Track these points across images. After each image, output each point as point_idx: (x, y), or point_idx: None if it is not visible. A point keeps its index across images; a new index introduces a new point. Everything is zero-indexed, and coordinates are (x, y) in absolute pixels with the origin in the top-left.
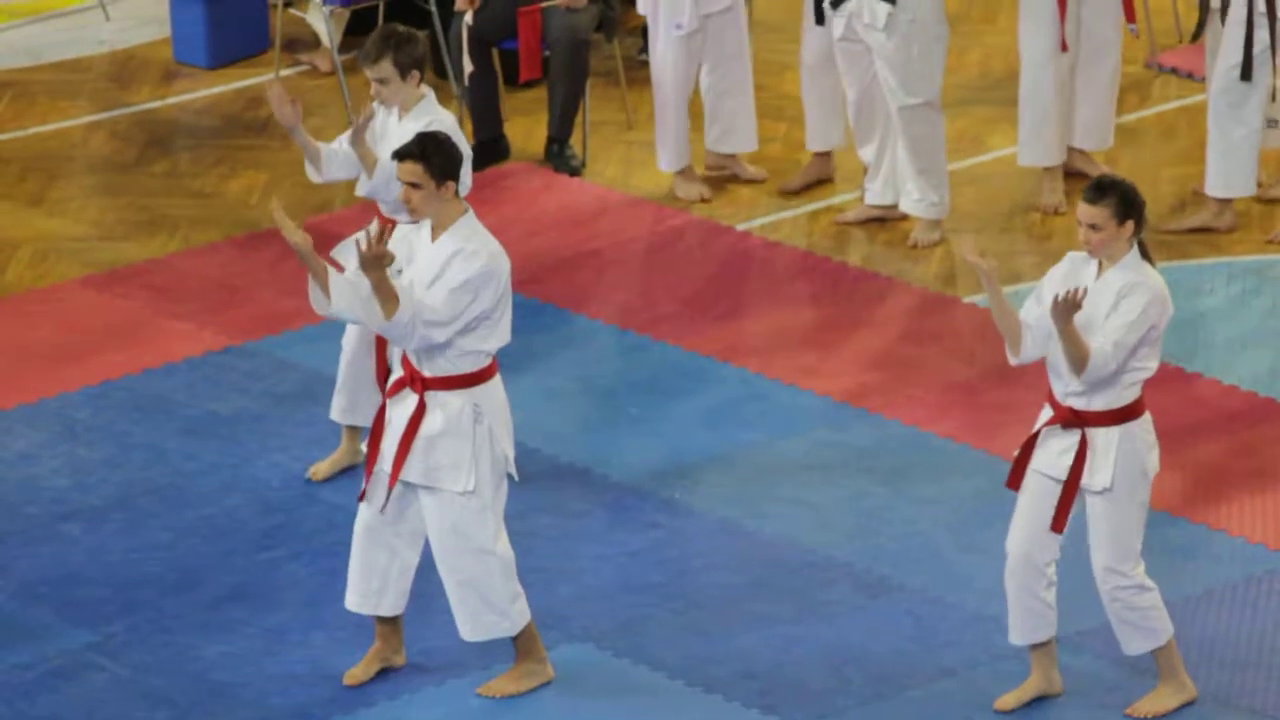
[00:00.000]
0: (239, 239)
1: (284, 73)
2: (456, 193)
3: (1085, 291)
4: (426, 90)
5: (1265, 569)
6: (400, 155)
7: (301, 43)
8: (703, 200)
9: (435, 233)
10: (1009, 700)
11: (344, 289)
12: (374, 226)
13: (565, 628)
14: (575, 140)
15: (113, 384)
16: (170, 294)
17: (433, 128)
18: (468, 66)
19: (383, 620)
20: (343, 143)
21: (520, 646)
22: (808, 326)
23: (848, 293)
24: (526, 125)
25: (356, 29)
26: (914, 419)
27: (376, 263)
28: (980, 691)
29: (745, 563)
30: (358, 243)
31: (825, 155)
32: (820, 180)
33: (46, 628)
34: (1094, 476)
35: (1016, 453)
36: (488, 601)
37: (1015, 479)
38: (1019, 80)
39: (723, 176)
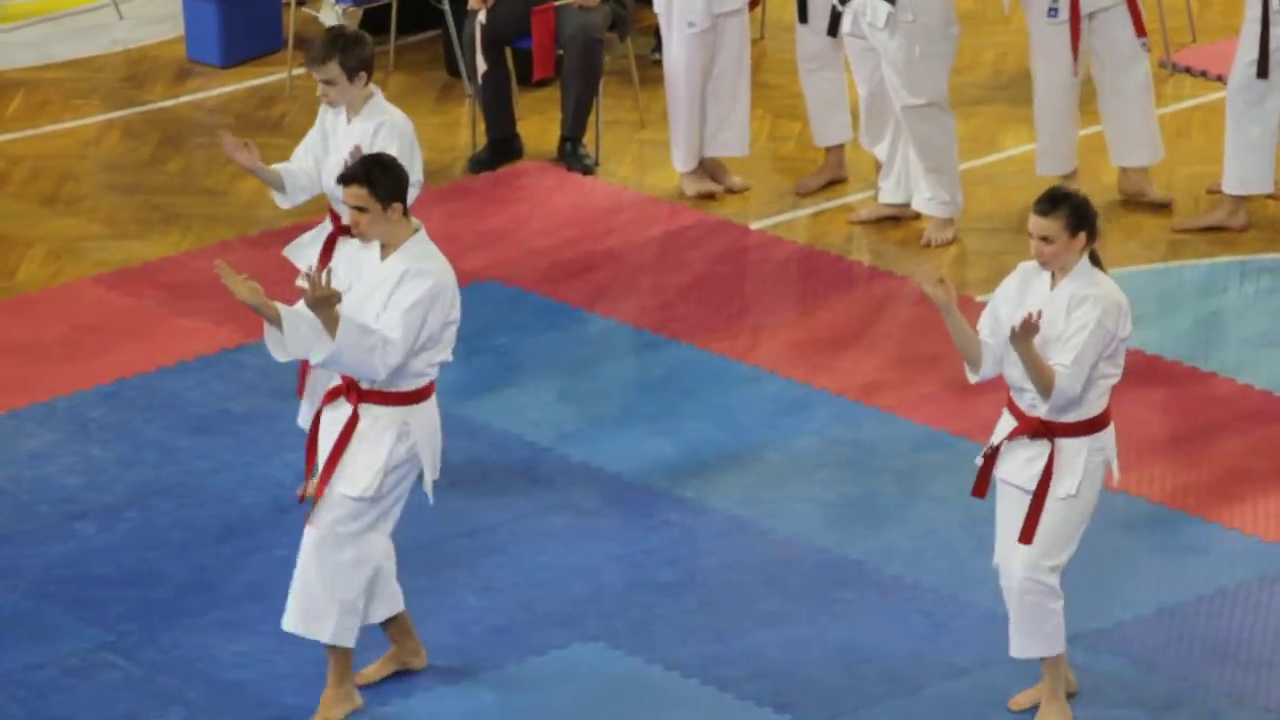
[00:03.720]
0: (252, 236)
1: (296, 71)
2: (405, 213)
3: (1040, 314)
4: (374, 90)
5: (1279, 568)
6: (345, 180)
7: (314, 41)
8: (713, 197)
9: (385, 252)
10: (1022, 700)
11: (304, 332)
12: (314, 266)
13: (578, 626)
14: (588, 139)
15: (126, 382)
16: (183, 292)
17: (383, 129)
18: (481, 65)
19: (386, 625)
20: (300, 160)
21: (333, 667)
22: (821, 325)
23: (861, 291)
24: (540, 124)
25: (370, 27)
26: (927, 417)
27: (326, 303)
28: (994, 690)
29: (758, 561)
30: (306, 278)
31: (838, 153)
32: (835, 180)
33: (59, 627)
34: (1059, 484)
35: (980, 460)
36: (328, 598)
37: (980, 486)
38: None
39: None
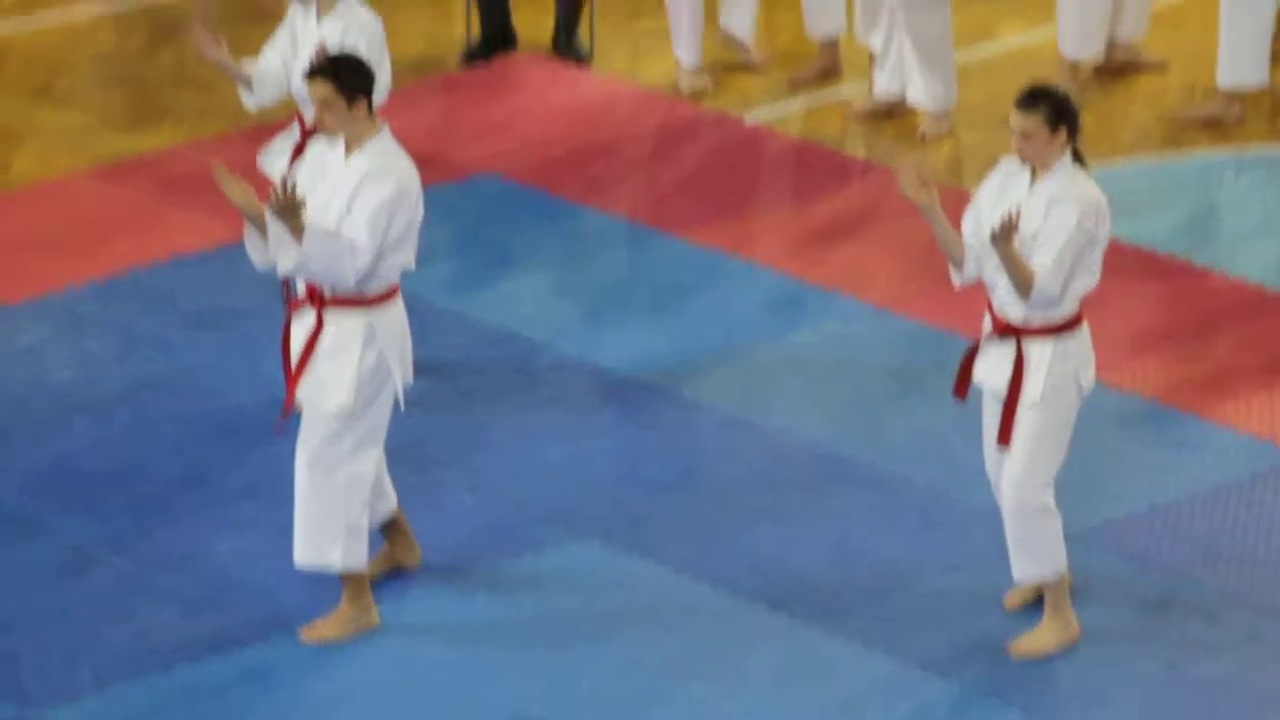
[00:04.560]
0: (248, 130)
1: None
2: (370, 110)
3: (1020, 213)
4: None
5: (1272, 465)
6: (310, 74)
7: None
8: (704, 93)
9: (349, 148)
10: (1016, 597)
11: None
12: (284, 173)
13: (572, 523)
14: (583, 30)
15: (120, 277)
16: (178, 186)
17: (351, 30)
18: None
19: (384, 526)
20: (269, 60)
21: (346, 587)
22: (817, 220)
23: (856, 186)
24: (534, 15)
25: None
26: (922, 313)
27: (291, 212)
28: (989, 587)
29: (753, 458)
30: (272, 190)
31: (832, 46)
32: (828, 72)
33: (53, 522)
34: (1027, 389)
35: (960, 361)
36: (331, 525)
37: (960, 387)
38: None
39: (727, 63)
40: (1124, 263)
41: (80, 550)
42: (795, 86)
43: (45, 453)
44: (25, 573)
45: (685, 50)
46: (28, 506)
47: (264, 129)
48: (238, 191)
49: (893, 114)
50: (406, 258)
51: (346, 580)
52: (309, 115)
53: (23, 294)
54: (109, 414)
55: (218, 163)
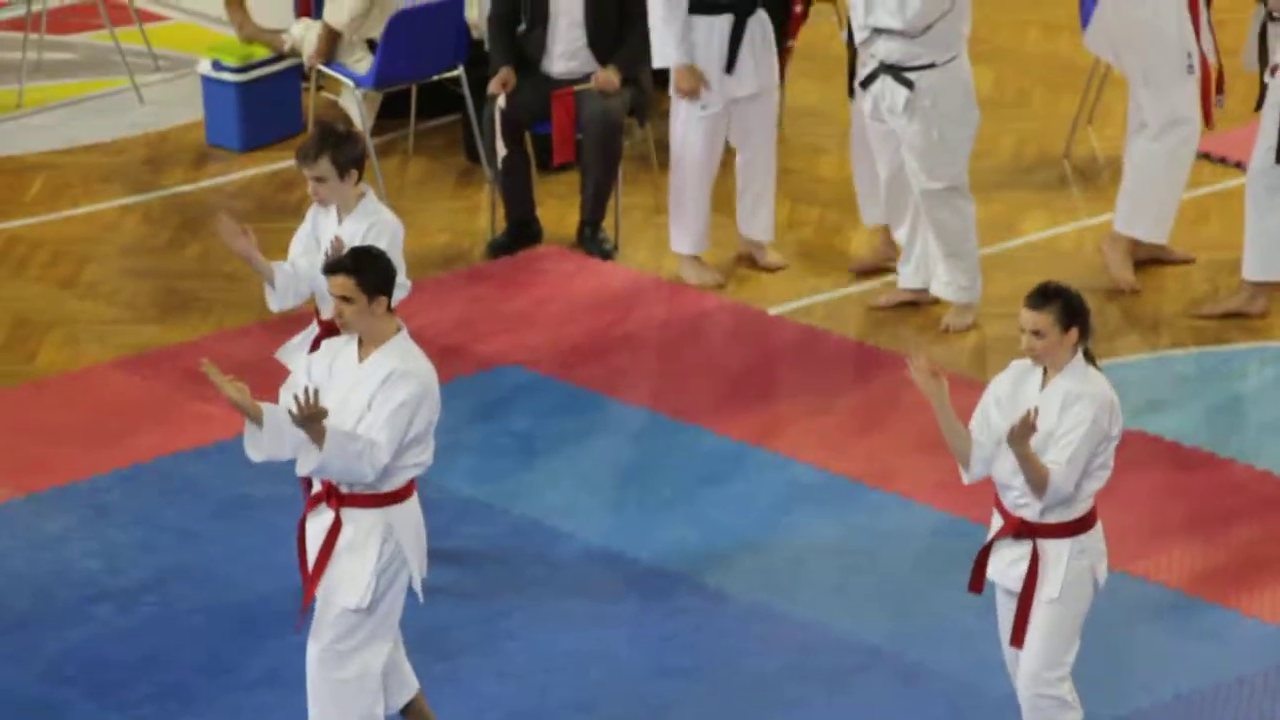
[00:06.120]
0: (271, 321)
1: None
2: (389, 308)
3: (1038, 412)
4: (366, 188)
5: None
6: (331, 269)
7: (339, 124)
8: (718, 286)
9: (365, 349)
10: None
11: (286, 435)
12: (305, 382)
13: (595, 710)
14: (608, 224)
15: (144, 466)
16: (202, 377)
17: (375, 229)
18: (500, 150)
19: (402, 710)
20: (294, 263)
21: None
22: (839, 411)
23: (879, 377)
24: (559, 209)
25: (389, 112)
26: (946, 504)
27: (314, 420)
28: None
29: (777, 647)
30: (294, 398)
31: (888, 233)
32: (889, 258)
33: (77, 711)
34: (1043, 588)
35: (975, 558)
36: (344, 717)
37: (976, 582)
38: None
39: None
40: (1149, 454)
41: None
42: (857, 271)
43: (69, 641)
44: None
45: (686, 240)
46: (51, 695)
47: (289, 320)
48: (231, 389)
49: (917, 306)
50: (423, 457)
51: None
52: (326, 311)
53: (48, 483)
54: (133, 602)
55: (206, 360)
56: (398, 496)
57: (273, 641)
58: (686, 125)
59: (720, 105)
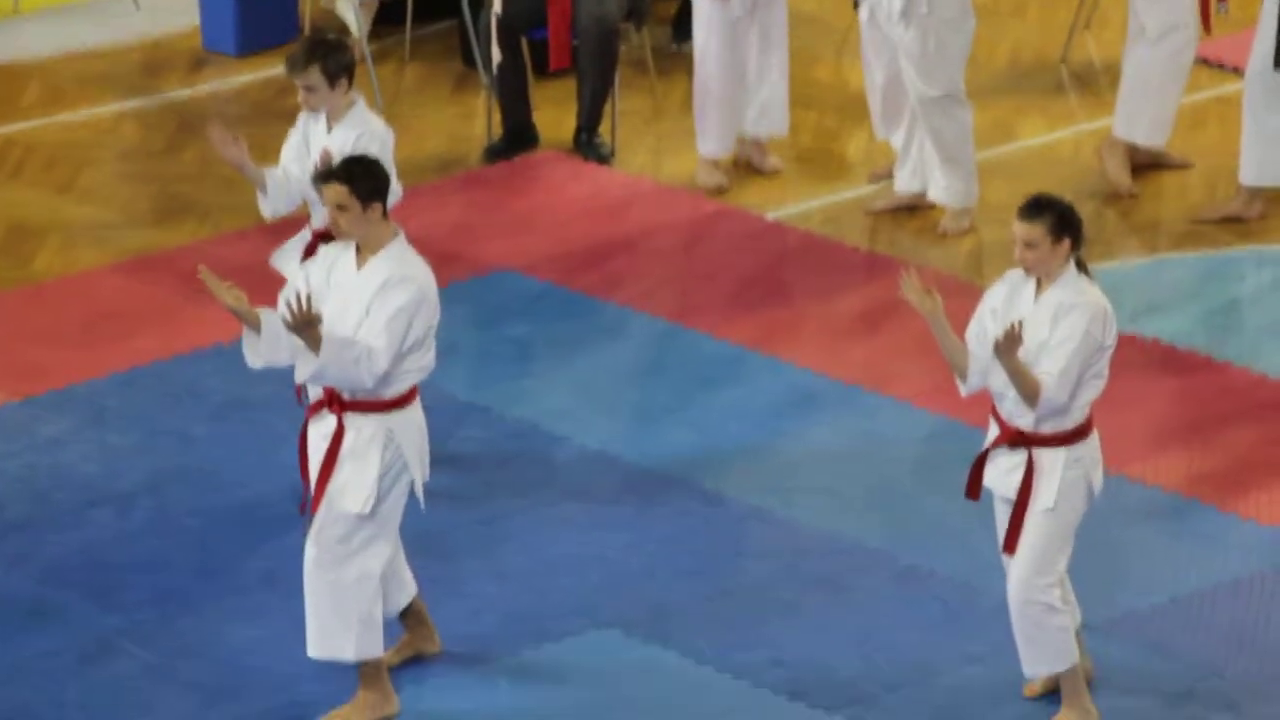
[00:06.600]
0: (268, 225)
1: None
2: (384, 214)
3: (1022, 324)
4: (356, 97)
5: None
6: (324, 178)
7: (330, 32)
8: (721, 191)
9: (362, 256)
10: (1037, 685)
11: (283, 342)
12: (300, 288)
13: (594, 614)
14: (604, 129)
15: (142, 370)
16: (199, 281)
17: (364, 138)
18: (496, 55)
19: (401, 614)
20: (286, 169)
21: (363, 676)
22: (837, 315)
23: (877, 281)
24: (555, 114)
25: (385, 18)
26: (942, 407)
27: (309, 326)
28: (1010, 678)
29: (774, 550)
30: (287, 304)
31: None
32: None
33: (75, 613)
34: (1037, 497)
35: (971, 466)
36: (342, 619)
37: (972, 489)
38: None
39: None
40: (1146, 358)
41: (101, 640)
42: (875, 181)
43: (67, 544)
44: (46, 663)
45: (710, 143)
46: (49, 597)
47: (285, 224)
48: (229, 295)
49: (913, 210)
50: (425, 361)
51: (363, 668)
52: (318, 218)
53: (46, 386)
54: (130, 505)
55: (203, 267)
56: (400, 403)
57: (271, 543)
58: (710, 28)
59: (745, 8)
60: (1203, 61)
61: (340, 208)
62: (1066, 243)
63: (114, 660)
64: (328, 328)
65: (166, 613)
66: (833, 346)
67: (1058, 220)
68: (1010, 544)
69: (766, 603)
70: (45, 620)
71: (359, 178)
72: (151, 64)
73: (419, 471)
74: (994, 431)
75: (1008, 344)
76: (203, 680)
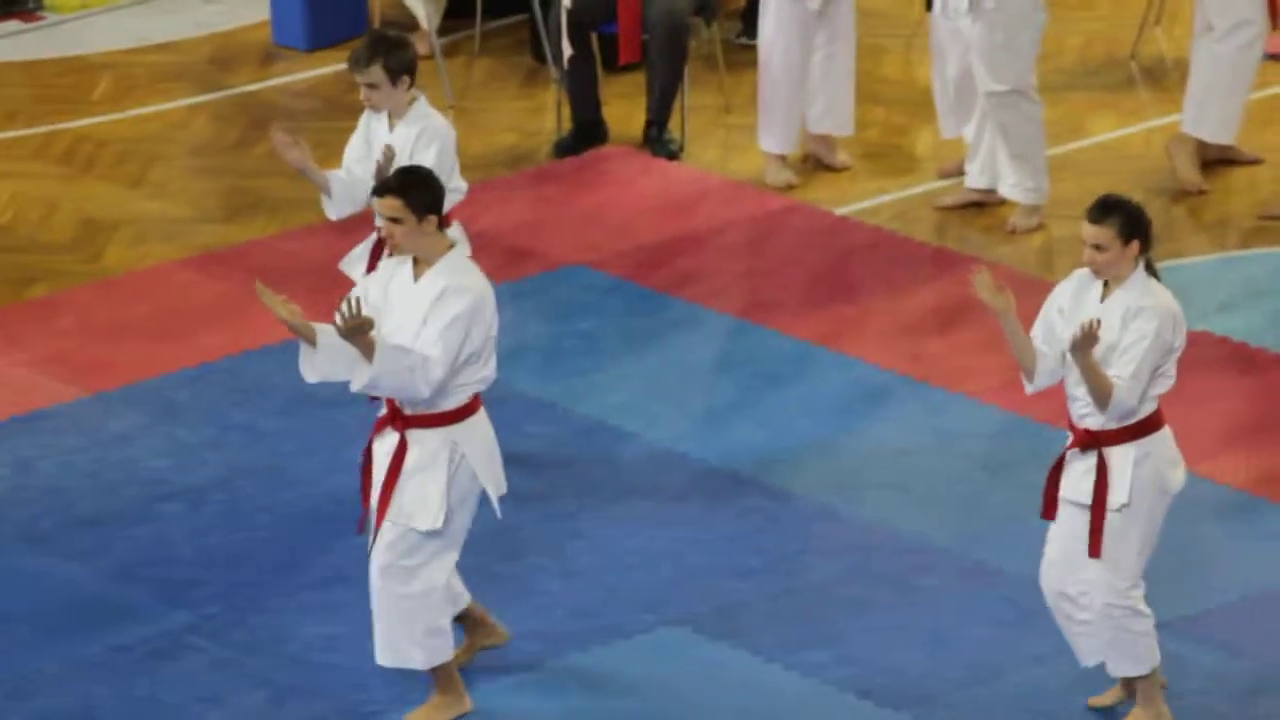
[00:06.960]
0: (337, 221)
1: None
2: (440, 226)
3: (1100, 323)
4: (418, 94)
5: None
6: (379, 191)
7: (399, 26)
8: (789, 187)
9: (419, 268)
10: (1104, 699)
11: (339, 354)
12: (352, 296)
13: (662, 610)
14: (674, 124)
15: (212, 365)
16: (270, 275)
17: (425, 135)
18: (566, 50)
19: (459, 617)
20: (349, 170)
21: (436, 679)
22: (906, 311)
23: (946, 277)
24: (625, 109)
25: (455, 12)
26: (1012, 404)
27: (360, 330)
28: (1076, 678)
29: (843, 548)
30: (339, 312)
31: None
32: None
33: (145, 609)
34: (1113, 495)
35: (1046, 480)
36: (408, 630)
37: (1049, 508)
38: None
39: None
40: (1216, 355)
41: (171, 635)
42: (944, 177)
43: (137, 540)
44: (117, 658)
45: (775, 140)
46: (120, 592)
47: (354, 220)
48: (284, 309)
49: (983, 206)
50: (485, 372)
51: (435, 671)
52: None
53: (116, 381)
54: (201, 500)
55: (259, 282)
56: (462, 414)
57: (342, 540)
58: (778, 23)
59: (820, 2)
60: (1271, 57)
61: (395, 220)
62: (1135, 244)
63: (184, 656)
64: (383, 336)
65: (237, 608)
66: (901, 343)
67: (1126, 222)
68: (1094, 547)
69: (834, 601)
70: (115, 616)
71: (413, 190)
72: (222, 58)
73: (491, 482)
74: (1069, 440)
75: (1085, 342)
76: (273, 677)
